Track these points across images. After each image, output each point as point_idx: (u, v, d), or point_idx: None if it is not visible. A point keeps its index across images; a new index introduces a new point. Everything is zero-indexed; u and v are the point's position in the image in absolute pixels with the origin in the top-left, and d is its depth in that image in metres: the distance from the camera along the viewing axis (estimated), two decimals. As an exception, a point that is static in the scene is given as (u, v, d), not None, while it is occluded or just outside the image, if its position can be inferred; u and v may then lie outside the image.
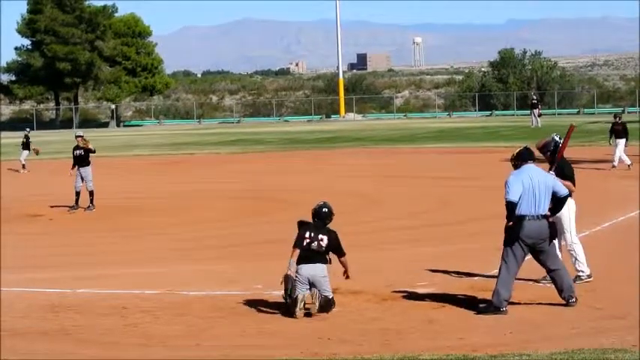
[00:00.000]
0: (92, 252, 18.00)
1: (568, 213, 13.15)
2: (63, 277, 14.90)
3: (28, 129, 43.91)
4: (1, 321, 11.58)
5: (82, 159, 24.73)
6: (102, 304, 12.70)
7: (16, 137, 69.61)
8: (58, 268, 15.99)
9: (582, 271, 13.22)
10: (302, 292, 11.62)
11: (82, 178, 24.53)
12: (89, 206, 24.25)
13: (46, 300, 13.01)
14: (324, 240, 11.80)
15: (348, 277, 12.21)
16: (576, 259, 13.22)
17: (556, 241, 12.30)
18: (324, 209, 12.00)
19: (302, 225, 12.02)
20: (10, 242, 18.91)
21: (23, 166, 39.47)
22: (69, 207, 24.35)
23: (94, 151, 25.21)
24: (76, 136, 25.52)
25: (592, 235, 17.40)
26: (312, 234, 11.82)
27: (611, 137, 31.97)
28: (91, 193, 24.39)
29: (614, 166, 31.02)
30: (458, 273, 14.01)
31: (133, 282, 14.27)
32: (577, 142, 45.40)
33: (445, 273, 14.03)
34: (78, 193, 24.38)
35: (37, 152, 40.02)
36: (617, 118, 32.74)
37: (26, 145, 40.37)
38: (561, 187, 11.84)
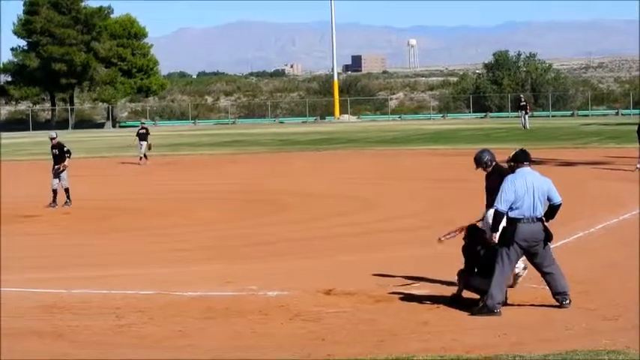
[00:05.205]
0: (87, 253, 17.98)
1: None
2: (58, 278, 14.90)
3: (143, 121, 44.43)
4: (1, 321, 11.59)
5: (57, 158, 26.07)
6: (97, 304, 12.70)
7: (12, 138, 69.64)
8: (54, 269, 15.99)
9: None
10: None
11: (58, 177, 25.82)
12: (66, 202, 25.58)
13: (41, 300, 13.00)
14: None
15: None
16: None
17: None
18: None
19: None
20: (5, 243, 18.88)
21: (145, 157, 39.93)
22: (49, 204, 25.38)
23: (69, 153, 26.33)
24: (51, 138, 26.82)
25: (585, 237, 17.48)
26: None
27: None
28: (67, 190, 25.79)
29: (637, 168, 29.78)
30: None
31: (128, 283, 14.27)
32: (572, 145, 45.58)
33: (440, 274, 14.05)
34: (55, 191, 25.67)
35: (149, 147, 40.61)
36: None
37: (144, 136, 40.48)
38: (556, 195, 11.84)
